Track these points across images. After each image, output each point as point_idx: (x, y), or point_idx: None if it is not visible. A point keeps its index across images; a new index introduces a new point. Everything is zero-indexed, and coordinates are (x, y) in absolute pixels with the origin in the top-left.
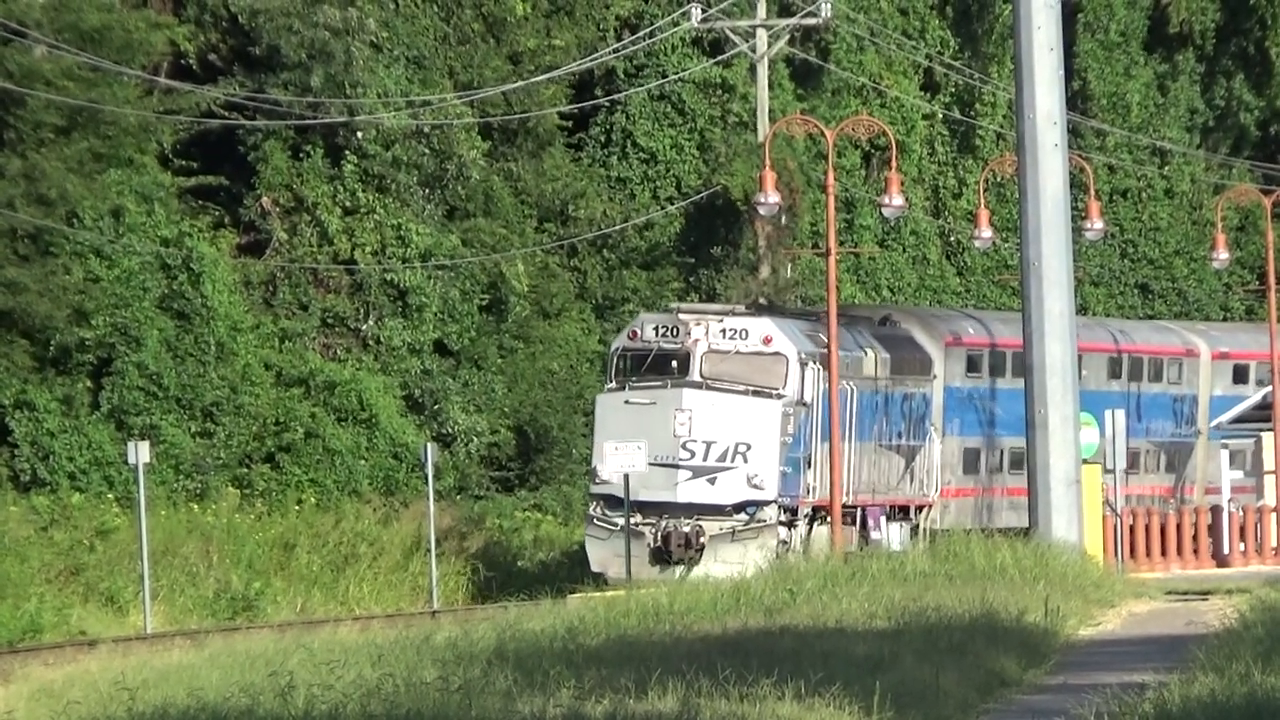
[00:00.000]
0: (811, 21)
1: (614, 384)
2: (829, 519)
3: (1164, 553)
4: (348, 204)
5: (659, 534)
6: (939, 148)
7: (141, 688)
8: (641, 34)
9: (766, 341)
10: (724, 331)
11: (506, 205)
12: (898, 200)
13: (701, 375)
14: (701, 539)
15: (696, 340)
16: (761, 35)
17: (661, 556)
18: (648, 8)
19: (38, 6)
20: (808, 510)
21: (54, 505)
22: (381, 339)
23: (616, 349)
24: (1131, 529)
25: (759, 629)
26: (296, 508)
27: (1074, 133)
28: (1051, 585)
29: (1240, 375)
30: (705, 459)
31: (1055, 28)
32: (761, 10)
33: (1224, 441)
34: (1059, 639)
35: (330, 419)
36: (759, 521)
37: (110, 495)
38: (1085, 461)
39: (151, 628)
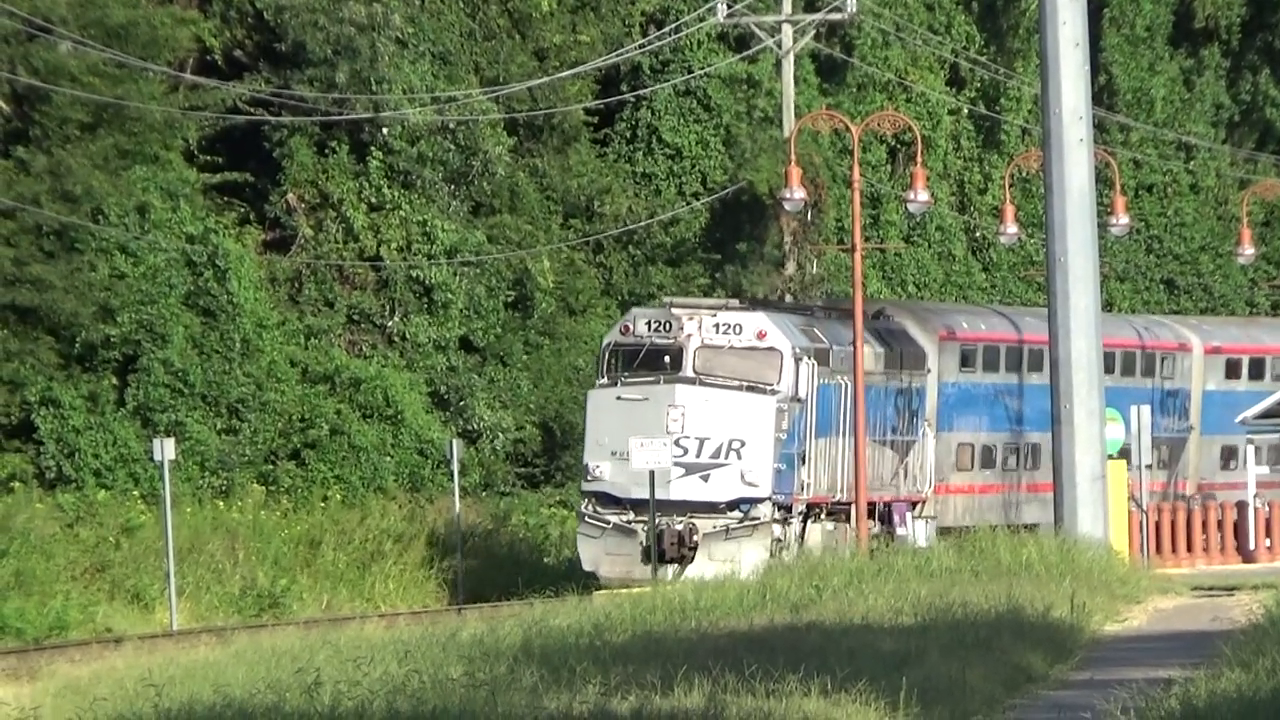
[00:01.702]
0: (837, 17)
1: (605, 380)
2: (822, 516)
3: (1189, 548)
4: (373, 200)
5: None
6: (964, 143)
7: (168, 684)
8: (667, 29)
9: (760, 336)
10: (717, 326)
11: (532, 201)
12: (923, 196)
13: (694, 371)
14: (695, 537)
15: (689, 335)
16: (787, 30)
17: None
18: (673, 3)
19: (63, 3)
20: (801, 508)
21: (79, 502)
22: (407, 335)
23: (608, 344)
24: (1157, 524)
25: (785, 625)
26: (322, 504)
27: (1099, 128)
28: (1077, 581)
29: (1233, 370)
30: (698, 456)
31: (1081, 23)
32: (787, 6)
33: (1250, 436)
34: (1085, 634)
35: (356, 415)
36: (753, 519)
37: (135, 492)
38: (1110, 457)
39: (177, 625)
